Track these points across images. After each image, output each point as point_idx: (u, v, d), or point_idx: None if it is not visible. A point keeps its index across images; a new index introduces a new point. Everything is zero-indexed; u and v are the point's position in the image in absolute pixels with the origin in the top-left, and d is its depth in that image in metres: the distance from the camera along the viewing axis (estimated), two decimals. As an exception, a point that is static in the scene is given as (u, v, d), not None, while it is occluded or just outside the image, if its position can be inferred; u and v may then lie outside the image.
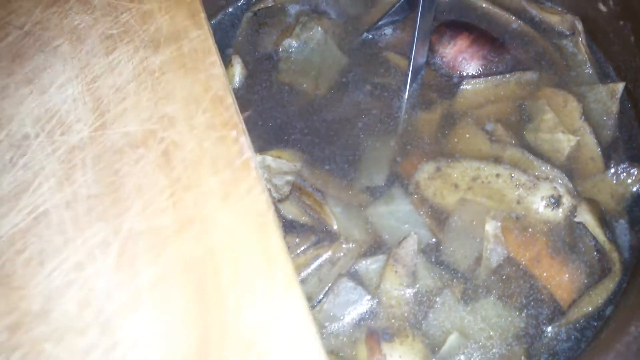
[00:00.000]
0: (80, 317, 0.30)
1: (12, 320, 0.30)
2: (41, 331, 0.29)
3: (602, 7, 0.64)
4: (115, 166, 0.35)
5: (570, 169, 0.56)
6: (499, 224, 0.52)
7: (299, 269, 0.52)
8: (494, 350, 0.48)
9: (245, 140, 0.36)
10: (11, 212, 0.33)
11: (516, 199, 0.54)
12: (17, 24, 0.41)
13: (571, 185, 0.54)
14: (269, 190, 0.49)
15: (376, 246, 0.53)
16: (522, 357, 0.48)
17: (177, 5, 0.43)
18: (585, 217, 0.52)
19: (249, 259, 0.31)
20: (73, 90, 0.38)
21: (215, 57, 0.41)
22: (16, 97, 0.38)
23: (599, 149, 0.56)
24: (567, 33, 0.66)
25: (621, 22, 0.62)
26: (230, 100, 0.39)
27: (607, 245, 0.51)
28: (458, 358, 0.48)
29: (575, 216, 0.52)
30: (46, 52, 0.40)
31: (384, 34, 0.68)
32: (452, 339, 0.48)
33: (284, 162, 0.56)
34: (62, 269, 0.31)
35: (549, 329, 0.49)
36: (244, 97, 0.63)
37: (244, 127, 0.37)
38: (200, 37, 0.42)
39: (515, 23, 0.67)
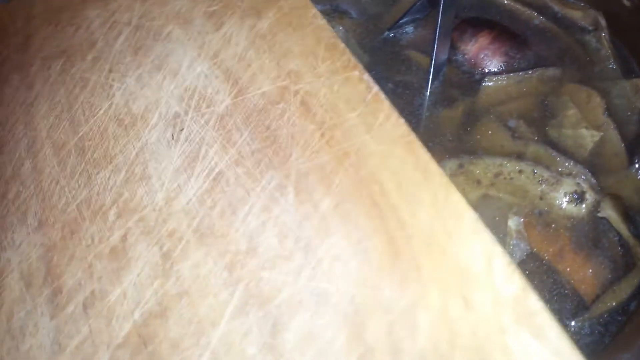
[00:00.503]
0: (283, 247, 0.35)
1: (227, 260, 0.35)
2: (255, 264, 0.34)
3: (626, 2, 0.63)
4: (265, 123, 0.39)
5: (594, 164, 0.56)
6: (522, 219, 0.52)
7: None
8: (517, 344, 0.48)
9: (368, 77, 0.39)
10: (191, 178, 0.38)
11: (539, 195, 0.54)
12: (124, 21, 0.45)
13: (594, 181, 0.54)
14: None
15: (400, 242, 0.54)
16: (546, 351, 0.48)
17: None
18: (609, 212, 0.52)
19: (406, 174, 0.35)
20: (201, 68, 0.42)
21: (314, 10, 0.44)
22: (153, 84, 0.42)
23: (623, 145, 0.56)
24: (590, 28, 0.66)
25: (645, 17, 0.61)
26: (343, 45, 0.41)
27: (631, 241, 0.51)
28: (482, 352, 0.48)
29: (599, 212, 0.53)
30: (162, 39, 0.44)
31: (406, 32, 0.68)
32: (476, 333, 0.49)
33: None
34: (253, 213, 0.36)
35: (573, 323, 0.49)
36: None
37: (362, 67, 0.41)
38: None
39: (537, 19, 0.67)
